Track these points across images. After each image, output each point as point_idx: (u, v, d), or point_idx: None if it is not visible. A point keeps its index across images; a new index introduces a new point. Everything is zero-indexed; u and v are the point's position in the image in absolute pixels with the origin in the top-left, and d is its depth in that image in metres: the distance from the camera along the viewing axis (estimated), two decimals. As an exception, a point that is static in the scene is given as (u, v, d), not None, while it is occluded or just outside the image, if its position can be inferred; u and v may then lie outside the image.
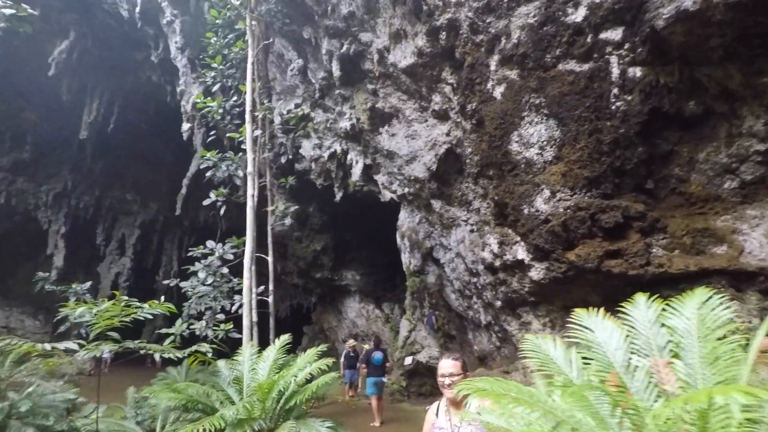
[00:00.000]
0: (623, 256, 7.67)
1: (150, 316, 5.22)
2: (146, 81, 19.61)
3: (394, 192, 13.15)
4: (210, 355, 6.86)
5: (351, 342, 11.69)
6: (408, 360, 10.33)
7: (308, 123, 14.04)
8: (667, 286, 7.36)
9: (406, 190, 12.70)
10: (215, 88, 11.55)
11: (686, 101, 7.37)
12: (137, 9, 14.11)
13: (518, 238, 9.24)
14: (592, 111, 7.77)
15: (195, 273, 10.72)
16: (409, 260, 12.85)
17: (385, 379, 10.15)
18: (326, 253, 18.67)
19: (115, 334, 4.98)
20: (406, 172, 12.33)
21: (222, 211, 11.19)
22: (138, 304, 5.26)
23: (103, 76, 20.28)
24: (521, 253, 9.10)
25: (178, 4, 12.97)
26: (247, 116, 10.18)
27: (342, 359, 11.24)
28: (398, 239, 13.33)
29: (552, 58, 8.10)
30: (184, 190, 21.17)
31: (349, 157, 13.72)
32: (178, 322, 9.48)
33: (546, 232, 8.29)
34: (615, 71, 7.63)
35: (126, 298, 5.26)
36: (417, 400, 10.42)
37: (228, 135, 11.11)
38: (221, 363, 7.31)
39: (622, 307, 2.96)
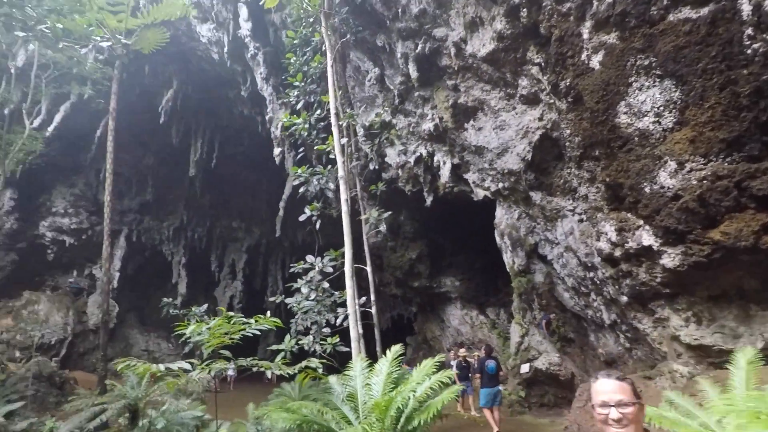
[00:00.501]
0: (788, 229, 6.24)
1: (258, 332, 5.22)
2: (239, 116, 21.14)
3: (488, 189, 12.41)
4: (320, 370, 6.80)
5: (462, 351, 10.98)
6: (525, 368, 9.43)
7: (391, 130, 13.91)
8: None
9: (501, 185, 11.91)
10: (299, 105, 11.90)
11: None
12: (225, 49, 15.22)
13: (641, 222, 8.05)
14: (721, 60, 6.52)
15: (298, 289, 10.98)
16: (512, 259, 11.97)
17: (501, 388, 9.40)
18: (422, 260, 18.29)
19: (226, 352, 5.03)
20: (499, 166, 11.57)
21: (318, 225, 11.36)
22: (245, 320, 5.29)
23: (203, 117, 22.29)
24: (647, 238, 7.90)
25: (259, 38, 13.75)
26: (333, 120, 10.23)
27: (454, 370, 10.67)
28: (497, 238, 12.52)
29: (659, 9, 6.99)
30: (281, 213, 22.26)
31: (435, 159, 13.30)
32: (287, 338, 9.69)
33: (678, 210, 7.08)
34: (746, 8, 6.33)
35: (231, 314, 5.32)
36: (539, 412, 9.47)
37: (316, 148, 11.33)
38: (333, 379, 7.13)
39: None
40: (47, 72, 15.67)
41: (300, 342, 10.42)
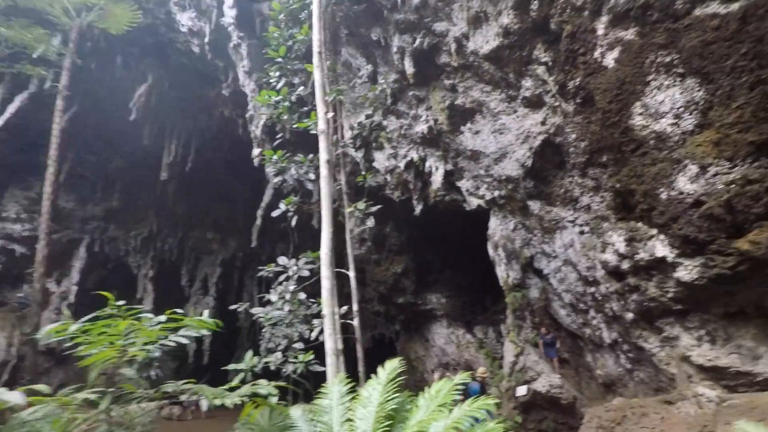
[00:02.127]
0: (824, 239, 5.73)
1: (186, 340, 4.10)
2: (219, 117, 20.04)
3: (482, 197, 11.77)
4: (274, 398, 4.99)
5: (482, 370, 9.33)
6: (522, 390, 8.47)
7: (381, 132, 13.19)
8: None
9: (497, 193, 11.29)
10: (280, 84, 10.29)
11: None
12: (206, 40, 14.30)
13: (655, 231, 7.48)
14: (752, 58, 6.07)
15: (270, 300, 9.54)
16: (506, 273, 11.29)
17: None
18: (407, 275, 17.44)
19: (129, 371, 3.91)
20: (496, 172, 10.96)
21: (293, 222, 9.81)
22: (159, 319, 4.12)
23: (180, 117, 21.06)
24: (661, 249, 7.33)
25: (244, 28, 12.93)
26: (317, 92, 8.63)
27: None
28: (491, 250, 11.83)
29: (684, 3, 6.55)
30: (258, 221, 21.12)
31: (427, 164, 12.63)
32: (248, 355, 8.09)
33: (699, 217, 6.53)
34: (778, 3, 5.93)
35: (139, 308, 4.20)
36: (537, 439, 8.64)
37: (296, 125, 9.74)
38: (296, 412, 5.09)
39: None
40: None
41: (268, 361, 8.73)
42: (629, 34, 7.22)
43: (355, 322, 9.45)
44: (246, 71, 13.83)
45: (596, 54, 7.75)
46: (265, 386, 4.77)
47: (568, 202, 10.09)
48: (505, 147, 10.65)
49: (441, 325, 17.45)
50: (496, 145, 10.77)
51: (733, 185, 6.15)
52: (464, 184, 12.16)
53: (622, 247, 8.12)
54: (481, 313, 17.18)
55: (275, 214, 9.86)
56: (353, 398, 4.77)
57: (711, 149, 6.55)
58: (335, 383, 5.23)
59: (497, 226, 11.77)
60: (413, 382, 17.28)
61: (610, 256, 8.51)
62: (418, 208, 13.42)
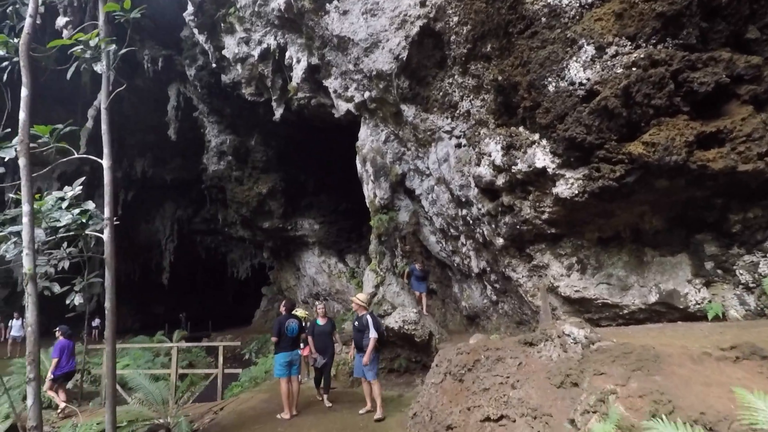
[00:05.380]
0: (726, 142, 4.53)
1: None
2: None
3: (351, 100, 9.63)
4: None
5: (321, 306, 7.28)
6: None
7: (230, 10, 10.14)
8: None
9: (367, 94, 9.20)
10: None
11: None
12: None
13: (536, 137, 6.00)
14: None
15: None
16: (373, 192, 9.53)
17: (300, 352, 6.99)
18: (274, 196, 15.12)
19: None
20: (366, 66, 8.79)
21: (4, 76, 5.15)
22: None
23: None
24: (542, 157, 5.89)
25: None
26: None
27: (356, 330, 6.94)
28: (359, 165, 9.94)
29: None
30: None
31: (288, 54, 10.02)
32: None
33: (589, 113, 5.05)
34: None
35: None
36: (387, 380, 7.28)
37: None
38: None
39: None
40: None
41: None
42: None
43: (106, 234, 5.01)
44: None
45: None
46: None
47: (446, 108, 8.37)
48: (377, 33, 8.44)
49: (312, 253, 15.73)
50: (366, 30, 8.50)
51: (635, 68, 4.67)
52: (332, 84, 9.85)
53: (498, 157, 6.61)
54: (357, 241, 15.71)
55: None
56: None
57: (612, 24, 4.98)
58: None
59: (367, 137, 9.81)
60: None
61: (484, 170, 7.01)
62: (278, 112, 10.92)
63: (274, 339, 6.62)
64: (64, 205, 5.97)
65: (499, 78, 6.38)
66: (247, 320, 23.41)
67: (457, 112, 8.18)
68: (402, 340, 7.35)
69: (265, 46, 10.08)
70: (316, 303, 6.50)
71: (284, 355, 6.55)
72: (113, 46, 4.34)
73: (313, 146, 14.86)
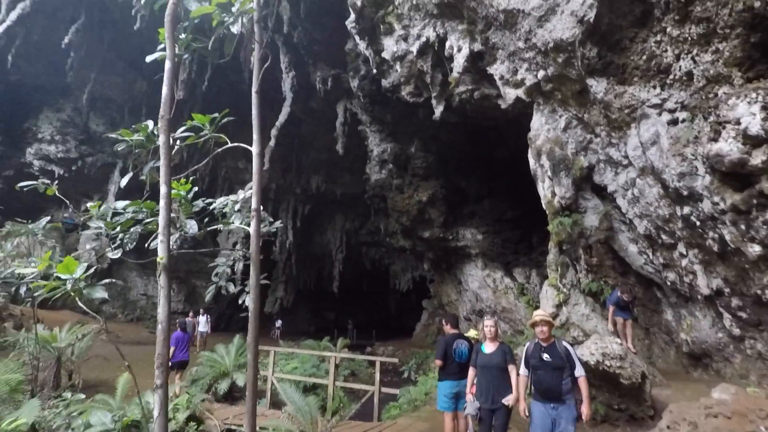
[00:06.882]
0: None
1: None
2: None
3: (521, 84, 8.22)
4: None
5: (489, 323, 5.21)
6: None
7: (389, 9, 9.79)
8: None
9: (541, 73, 7.68)
10: None
11: None
12: None
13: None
14: None
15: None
16: (551, 190, 7.87)
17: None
18: (435, 204, 14.34)
19: None
20: (540, 39, 7.31)
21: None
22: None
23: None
24: None
25: None
26: None
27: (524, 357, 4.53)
28: (531, 160, 8.40)
29: None
30: (272, 142, 18.68)
31: (448, 45, 9.15)
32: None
33: None
34: None
35: None
36: (578, 430, 5.56)
37: None
38: None
39: None
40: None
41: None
42: None
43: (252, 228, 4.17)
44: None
45: None
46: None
47: (652, 76, 6.37)
48: (554, -5, 6.92)
49: (475, 265, 14.40)
50: (540, -6, 7.06)
51: None
52: (498, 69, 8.59)
53: (755, 123, 4.49)
54: (526, 254, 13.84)
55: (149, 59, 5.19)
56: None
57: None
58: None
59: (541, 126, 8.23)
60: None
61: (728, 146, 4.90)
62: (438, 110, 10.09)
63: (438, 362, 5.48)
64: (237, 207, 6.05)
65: (756, 5, 4.32)
66: (409, 332, 23.31)
67: (670, 77, 6.12)
68: (600, 380, 5.54)
69: (423, 39, 9.40)
70: (484, 319, 4.84)
71: (450, 384, 5.32)
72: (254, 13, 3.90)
73: (475, 150, 13.72)
